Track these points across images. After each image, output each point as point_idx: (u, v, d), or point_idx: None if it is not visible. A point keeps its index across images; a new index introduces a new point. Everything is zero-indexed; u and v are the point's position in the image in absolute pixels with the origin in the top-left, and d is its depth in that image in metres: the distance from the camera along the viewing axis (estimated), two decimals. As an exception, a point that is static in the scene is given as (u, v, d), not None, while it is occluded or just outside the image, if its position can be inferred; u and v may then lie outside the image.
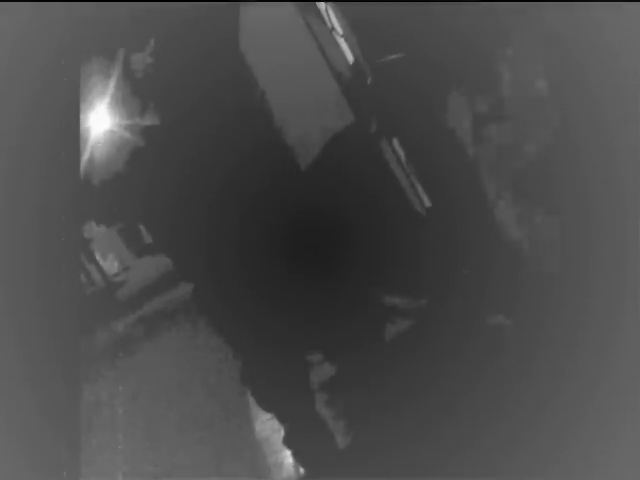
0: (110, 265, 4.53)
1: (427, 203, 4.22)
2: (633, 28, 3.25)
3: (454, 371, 3.89)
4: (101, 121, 3.95)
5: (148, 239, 4.27)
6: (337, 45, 4.11)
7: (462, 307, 4.07)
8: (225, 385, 4.20)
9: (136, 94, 3.98)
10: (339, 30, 4.05)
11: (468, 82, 3.86)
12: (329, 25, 4.07)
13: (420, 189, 4.22)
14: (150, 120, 3.98)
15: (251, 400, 4.08)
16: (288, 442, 4.00)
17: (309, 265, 4.10)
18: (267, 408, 4.05)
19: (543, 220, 3.85)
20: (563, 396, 3.52)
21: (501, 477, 3.33)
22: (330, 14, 4.03)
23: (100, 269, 4.50)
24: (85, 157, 3.91)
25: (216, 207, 4.04)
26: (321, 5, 4.05)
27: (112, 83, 3.92)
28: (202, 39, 3.96)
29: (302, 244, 4.09)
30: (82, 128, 3.88)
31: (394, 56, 3.98)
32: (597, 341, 3.56)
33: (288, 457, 3.98)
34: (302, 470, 3.95)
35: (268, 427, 4.03)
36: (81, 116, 3.84)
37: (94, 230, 4.22)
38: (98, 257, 4.46)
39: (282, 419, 4.01)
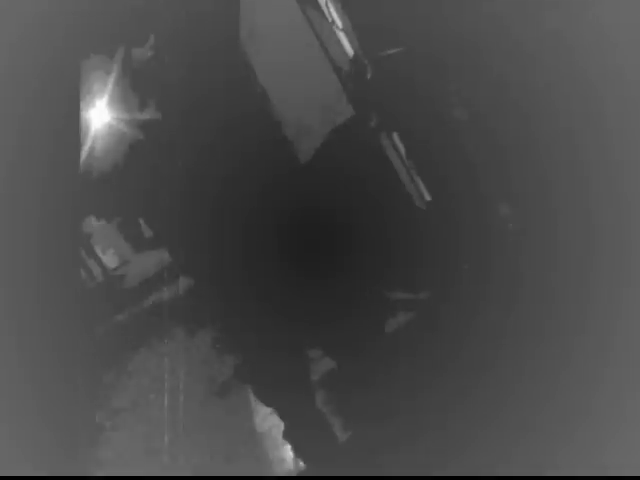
0: (110, 259, 4.52)
1: (427, 197, 4.22)
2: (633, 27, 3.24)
3: (454, 366, 3.90)
4: (101, 115, 3.94)
5: (148, 233, 4.26)
6: (337, 39, 4.10)
7: (462, 301, 4.07)
8: (226, 380, 4.21)
9: (136, 88, 3.96)
10: (339, 24, 4.03)
11: (468, 76, 3.85)
12: (329, 19, 4.05)
13: (420, 183, 4.22)
14: (150, 114, 3.97)
15: (252, 395, 4.09)
16: (288, 436, 4.01)
17: (309, 259, 4.10)
18: (268, 403, 4.06)
19: (542, 216, 3.85)
20: (565, 392, 3.53)
21: (501, 475, 3.35)
22: (330, 8, 4.02)
23: (100, 263, 4.49)
24: (85, 151, 3.90)
25: (216, 201, 4.03)
26: (321, -2, 4.04)
27: (112, 77, 3.90)
28: (202, 34, 3.95)
29: (302, 238, 4.09)
30: (82, 122, 3.87)
31: (394, 50, 3.97)
32: (598, 336, 3.57)
33: (288, 451, 4.00)
34: (302, 464, 3.96)
35: (269, 422, 4.05)
36: (81, 110, 3.83)
37: (94, 225, 4.21)
38: (98, 251, 4.45)
39: (282, 414, 4.03)
